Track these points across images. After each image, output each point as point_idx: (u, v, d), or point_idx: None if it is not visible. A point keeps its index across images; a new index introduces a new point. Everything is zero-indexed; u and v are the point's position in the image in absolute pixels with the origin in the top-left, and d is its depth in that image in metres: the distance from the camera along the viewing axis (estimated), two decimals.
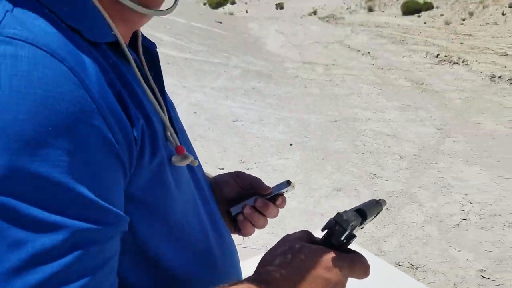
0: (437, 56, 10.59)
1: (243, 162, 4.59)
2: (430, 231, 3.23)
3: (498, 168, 4.30)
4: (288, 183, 0.75)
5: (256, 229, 0.77)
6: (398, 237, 3.22)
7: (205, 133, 5.15)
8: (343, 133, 5.46)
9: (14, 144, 0.35)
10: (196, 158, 0.65)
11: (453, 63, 9.88)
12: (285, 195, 0.77)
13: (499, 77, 8.36)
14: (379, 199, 0.78)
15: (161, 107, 0.54)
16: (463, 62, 9.90)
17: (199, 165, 0.68)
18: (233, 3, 39.52)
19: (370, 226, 3.39)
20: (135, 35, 0.60)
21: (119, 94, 0.44)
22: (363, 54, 10.95)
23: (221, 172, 4.43)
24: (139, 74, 0.50)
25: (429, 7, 22.34)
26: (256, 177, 0.79)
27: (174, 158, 0.52)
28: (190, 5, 21.32)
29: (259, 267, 0.55)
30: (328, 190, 4.06)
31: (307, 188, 4.08)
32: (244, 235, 0.78)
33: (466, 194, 3.77)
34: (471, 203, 3.60)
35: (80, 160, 0.38)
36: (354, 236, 0.63)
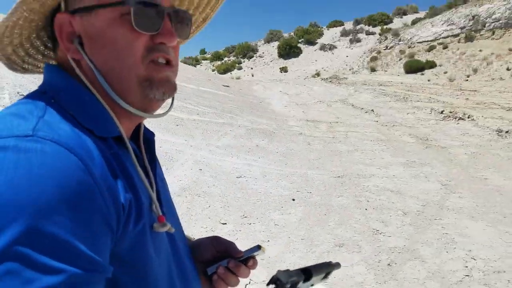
0: (441, 112, 10.73)
1: (245, 217, 4.58)
2: (432, 287, 3.13)
3: (504, 224, 4.22)
4: (258, 247, 0.85)
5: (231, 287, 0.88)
6: None
7: (209, 189, 5.19)
8: (346, 189, 5.45)
9: (36, 212, 0.49)
10: (177, 225, 0.81)
11: (459, 119, 9.98)
12: (257, 258, 0.88)
13: (507, 131, 8.40)
14: (334, 262, 0.93)
15: (151, 184, 0.71)
16: (468, 117, 10.00)
17: (180, 233, 0.82)
18: (239, 68, 41.09)
19: (370, 281, 3.31)
20: (138, 127, 0.79)
21: (117, 178, 0.60)
22: (366, 112, 11.15)
23: (223, 226, 4.43)
24: (135, 161, 0.67)
25: (432, 65, 22.93)
26: (231, 242, 0.90)
27: (155, 225, 0.67)
28: (200, 72, 22.19)
29: None
30: (330, 246, 4.00)
31: (308, 244, 4.03)
32: None
33: (470, 250, 3.68)
34: (474, 259, 3.51)
35: (81, 226, 0.52)
36: None
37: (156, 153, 0.82)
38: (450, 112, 10.47)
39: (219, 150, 6.92)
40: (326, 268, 0.91)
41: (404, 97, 13.55)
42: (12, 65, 0.74)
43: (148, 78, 0.66)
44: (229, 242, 0.90)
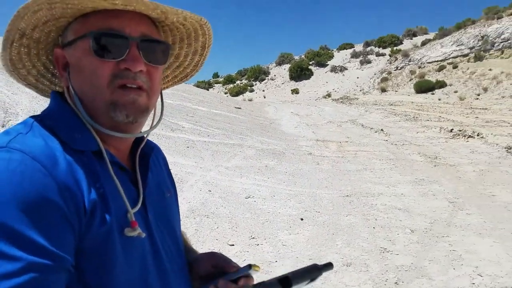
0: (451, 130, 10.72)
1: (253, 238, 4.64)
2: None
3: (511, 241, 4.21)
4: (249, 267, 0.85)
5: None
6: None
7: (218, 210, 5.27)
8: (354, 208, 5.48)
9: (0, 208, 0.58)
10: (170, 237, 0.87)
11: (468, 137, 9.96)
12: (254, 275, 0.88)
13: None
14: (324, 264, 0.91)
15: (139, 196, 0.79)
16: (478, 135, 9.97)
17: (173, 241, 0.88)
18: (251, 91, 41.55)
19: None
20: (139, 140, 0.89)
21: (79, 181, 0.68)
22: (376, 132, 11.18)
23: (231, 248, 4.49)
24: (111, 173, 0.74)
25: (442, 85, 22.95)
26: (225, 258, 0.94)
27: (126, 229, 0.73)
28: (212, 95, 22.50)
29: None
30: (337, 265, 4.02)
31: None
32: None
33: (477, 266, 3.68)
34: (481, 276, 3.51)
35: (42, 220, 0.60)
36: None
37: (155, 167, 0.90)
38: (460, 131, 10.45)
39: (228, 171, 7.03)
40: (309, 274, 0.87)
41: (414, 117, 13.56)
42: (37, 89, 0.89)
43: (113, 101, 0.74)
44: (223, 258, 0.93)
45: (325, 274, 3.34)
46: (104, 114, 0.75)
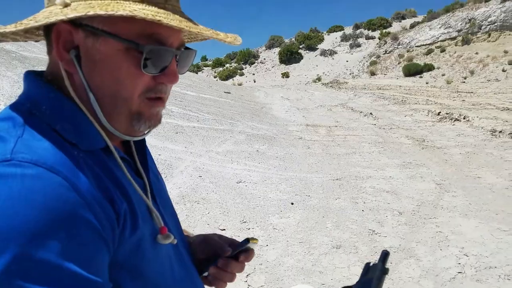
0: (438, 113, 10.84)
1: (245, 222, 4.69)
2: (426, 285, 3.24)
3: (496, 221, 4.33)
4: (247, 241, 0.85)
5: (228, 282, 0.90)
6: None
7: (209, 196, 5.31)
8: (344, 191, 5.57)
9: (23, 240, 0.49)
10: (175, 225, 0.84)
11: (455, 120, 10.09)
12: (254, 247, 0.88)
13: (500, 131, 8.50)
14: (379, 258, 0.78)
15: (145, 186, 0.74)
16: (464, 118, 10.10)
17: (179, 234, 0.85)
18: (241, 74, 41.35)
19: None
20: None
21: (107, 189, 0.60)
22: (365, 115, 11.26)
23: (222, 232, 4.54)
24: (126, 171, 0.68)
25: (430, 68, 23.10)
26: (218, 242, 0.92)
27: (159, 236, 0.69)
28: (201, 79, 22.33)
29: None
30: (327, 248, 4.10)
31: (306, 246, 4.14)
32: None
33: (463, 247, 3.79)
34: (467, 256, 3.62)
35: (73, 246, 0.52)
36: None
37: (153, 157, 0.88)
38: (447, 114, 10.58)
39: (219, 157, 7.05)
40: (378, 280, 0.74)
41: (402, 100, 13.67)
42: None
43: (139, 113, 0.67)
44: (217, 243, 0.92)
45: (315, 257, 3.38)
46: (125, 122, 0.67)
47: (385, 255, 0.76)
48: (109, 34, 0.61)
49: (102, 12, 0.56)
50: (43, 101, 0.63)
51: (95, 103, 0.64)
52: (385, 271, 0.74)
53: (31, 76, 0.67)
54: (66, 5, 0.60)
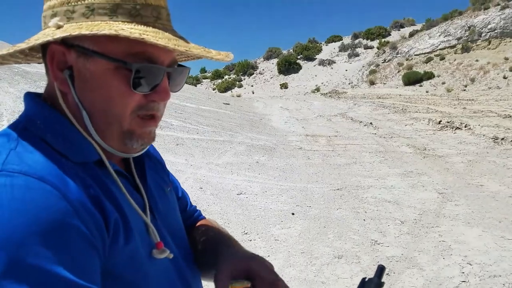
0: (439, 122, 10.84)
1: (246, 233, 4.66)
2: None
3: (499, 229, 4.29)
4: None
5: None
6: None
7: (210, 208, 5.28)
8: (345, 201, 5.54)
9: (14, 246, 0.50)
10: (180, 243, 0.81)
11: (456, 128, 10.08)
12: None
13: (502, 138, 8.48)
14: (375, 272, 0.77)
15: (144, 201, 0.74)
16: (465, 126, 10.10)
17: (180, 238, 0.83)
18: (240, 86, 41.55)
19: None
20: None
21: (97, 199, 0.61)
22: (365, 125, 11.26)
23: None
24: (119, 183, 0.68)
25: (430, 76, 23.16)
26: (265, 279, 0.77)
27: (154, 251, 0.68)
28: (200, 91, 22.43)
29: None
30: (329, 258, 4.06)
31: (308, 257, 4.10)
32: None
33: (466, 256, 3.75)
34: (471, 264, 3.58)
35: (62, 252, 0.53)
36: None
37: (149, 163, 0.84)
38: (448, 122, 10.57)
39: (219, 168, 7.03)
40: None
41: (402, 109, 13.69)
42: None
43: (131, 131, 0.68)
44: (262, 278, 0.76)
45: (317, 267, 3.34)
46: (118, 140, 0.68)
47: (381, 269, 0.76)
48: (98, 54, 0.63)
49: (86, 32, 0.58)
50: (38, 117, 0.66)
51: (87, 120, 0.66)
52: (380, 285, 0.74)
53: (29, 97, 0.70)
54: (59, 27, 0.62)
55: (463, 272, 3.48)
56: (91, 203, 0.59)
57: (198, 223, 1.03)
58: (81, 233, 0.56)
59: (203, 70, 55.98)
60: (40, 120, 0.65)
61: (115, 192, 0.66)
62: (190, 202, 1.08)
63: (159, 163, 0.94)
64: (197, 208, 1.13)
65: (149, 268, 0.67)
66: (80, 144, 0.66)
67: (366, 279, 0.75)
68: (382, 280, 0.74)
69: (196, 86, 37.59)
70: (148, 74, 0.64)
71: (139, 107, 0.67)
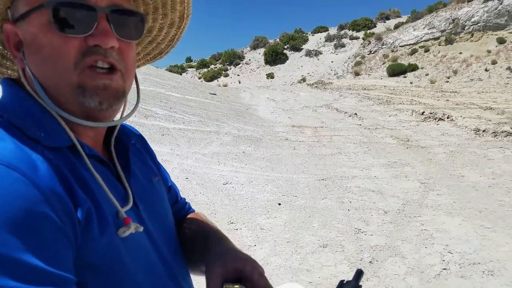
0: (422, 113, 10.99)
1: (232, 223, 4.70)
2: (412, 282, 3.29)
3: (479, 218, 4.41)
4: None
5: None
6: None
7: (196, 198, 5.30)
8: (330, 191, 5.61)
9: None
10: (166, 227, 0.80)
11: (439, 120, 10.24)
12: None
13: (484, 130, 8.66)
14: (354, 275, 0.79)
15: (126, 190, 0.71)
16: (448, 118, 10.26)
17: (166, 228, 0.82)
18: (226, 75, 41.33)
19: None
20: (111, 129, 0.78)
21: (69, 186, 0.59)
22: (350, 116, 11.36)
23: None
24: (92, 170, 0.65)
25: (414, 68, 23.42)
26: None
27: (120, 230, 0.64)
28: (185, 80, 22.24)
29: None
30: (314, 247, 4.13)
31: (294, 246, 4.16)
32: None
33: (447, 244, 3.85)
34: (451, 253, 3.68)
35: (33, 240, 0.51)
36: None
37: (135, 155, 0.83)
38: (431, 113, 10.74)
39: (205, 158, 7.04)
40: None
41: (386, 100, 13.83)
42: None
43: (81, 85, 0.63)
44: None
45: (302, 256, 3.40)
46: (72, 100, 0.64)
47: (358, 273, 0.77)
48: (29, 12, 0.62)
49: None
50: (9, 102, 0.65)
51: (40, 89, 0.63)
52: None
53: (5, 83, 0.68)
54: None
55: (444, 260, 3.58)
56: (63, 190, 0.57)
57: (188, 216, 1.02)
58: (51, 221, 0.53)
59: (188, 59, 55.48)
60: (11, 105, 0.64)
61: (89, 180, 0.63)
62: (180, 195, 1.07)
63: (148, 154, 0.94)
64: (184, 198, 1.12)
65: (123, 251, 0.64)
66: (51, 126, 0.64)
67: (345, 281, 0.77)
68: (360, 284, 0.76)
69: (181, 74, 37.26)
70: (72, 13, 0.61)
71: (82, 54, 0.62)
